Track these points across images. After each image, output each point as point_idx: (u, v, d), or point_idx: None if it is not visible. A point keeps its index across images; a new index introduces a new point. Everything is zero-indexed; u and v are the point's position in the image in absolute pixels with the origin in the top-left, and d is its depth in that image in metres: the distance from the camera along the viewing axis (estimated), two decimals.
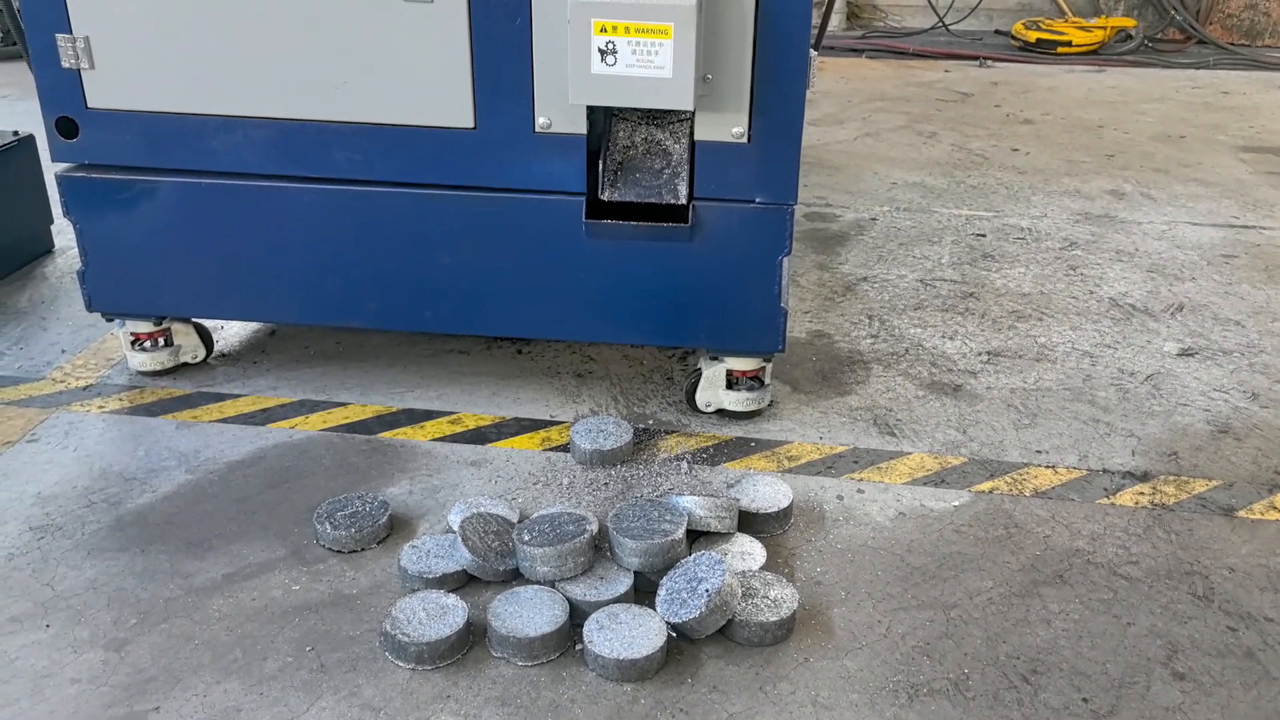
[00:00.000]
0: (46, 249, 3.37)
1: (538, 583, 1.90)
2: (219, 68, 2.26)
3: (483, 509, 2.09)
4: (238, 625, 1.87)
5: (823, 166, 4.30)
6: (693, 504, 2.00)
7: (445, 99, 2.23)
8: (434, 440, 2.41)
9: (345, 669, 1.78)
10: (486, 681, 1.75)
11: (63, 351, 2.77)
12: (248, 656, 1.80)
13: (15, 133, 3.24)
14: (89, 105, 2.33)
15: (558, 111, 2.21)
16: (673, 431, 2.45)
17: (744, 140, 2.19)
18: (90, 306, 2.54)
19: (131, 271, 2.49)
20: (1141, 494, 2.26)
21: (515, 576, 1.95)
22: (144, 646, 1.82)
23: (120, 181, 2.40)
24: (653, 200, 2.26)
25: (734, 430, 2.46)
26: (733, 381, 2.46)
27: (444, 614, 1.82)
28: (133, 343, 2.61)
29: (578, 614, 1.85)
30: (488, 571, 1.94)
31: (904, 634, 1.87)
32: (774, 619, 1.82)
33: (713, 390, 2.47)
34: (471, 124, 2.25)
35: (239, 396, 2.57)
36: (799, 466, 2.33)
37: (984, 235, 3.61)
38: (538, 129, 2.23)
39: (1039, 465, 2.35)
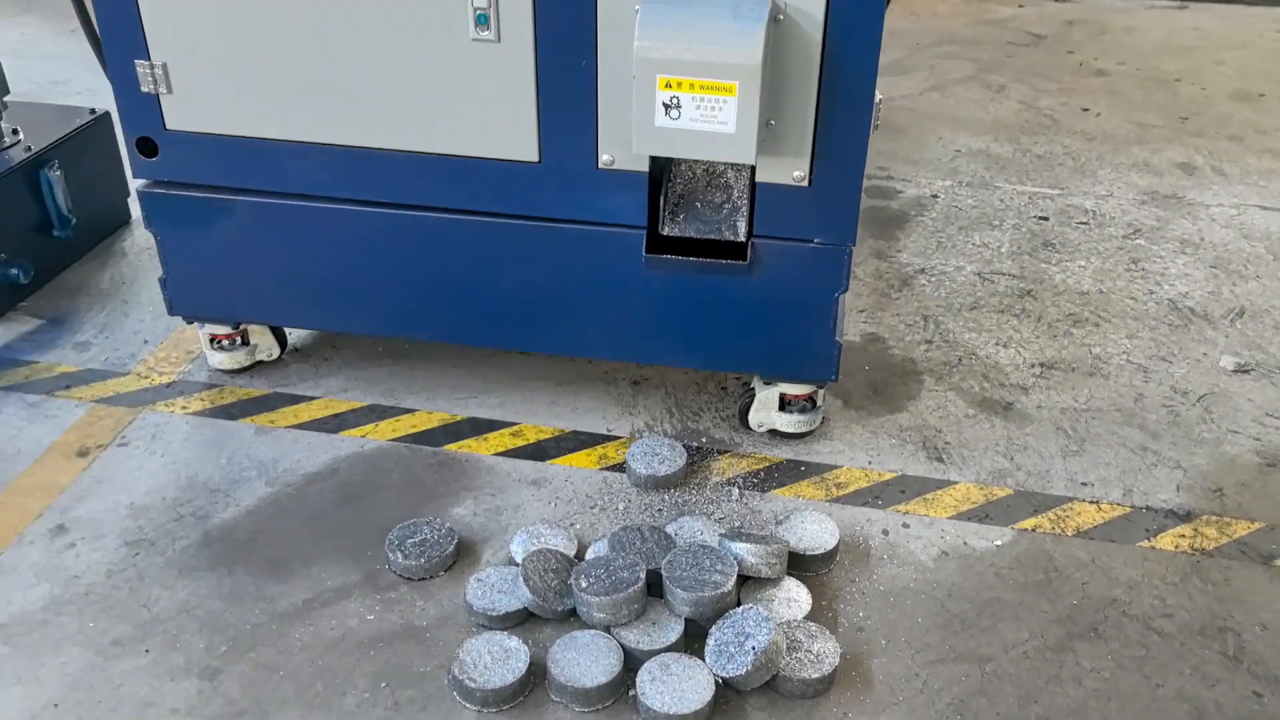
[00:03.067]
0: (124, 220, 3.48)
1: (593, 627, 2.02)
2: (292, 96, 2.31)
3: (542, 539, 2.21)
4: (318, 656, 2.03)
5: (886, 128, 4.24)
6: (744, 551, 2.10)
7: (510, 133, 2.27)
8: (497, 455, 2.51)
9: (417, 708, 1.93)
10: None
11: (145, 342, 2.90)
12: (328, 690, 1.96)
13: (92, 110, 3.32)
14: (167, 127, 2.40)
15: (621, 149, 2.24)
16: (725, 451, 2.53)
17: (805, 183, 2.21)
18: (171, 311, 2.65)
19: (209, 280, 2.59)
20: (1183, 536, 2.32)
21: (572, 613, 2.08)
22: (234, 676, 1.98)
23: (198, 199, 2.48)
24: (712, 236, 2.30)
25: (784, 451, 2.54)
26: (785, 403, 2.53)
27: (507, 658, 1.96)
28: (211, 341, 2.73)
29: (631, 659, 1.98)
30: (547, 611, 2.07)
31: (940, 689, 1.98)
32: (815, 675, 1.93)
33: (765, 411, 2.54)
34: (536, 158, 2.28)
35: (312, 399, 2.69)
36: (847, 495, 2.41)
37: (1046, 218, 3.57)
38: (601, 165, 2.27)
39: (1083, 500, 2.41)
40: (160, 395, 2.70)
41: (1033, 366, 2.85)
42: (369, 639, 2.06)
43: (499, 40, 2.16)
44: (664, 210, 2.31)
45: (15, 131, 3.12)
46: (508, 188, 2.33)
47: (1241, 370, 2.84)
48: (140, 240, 3.40)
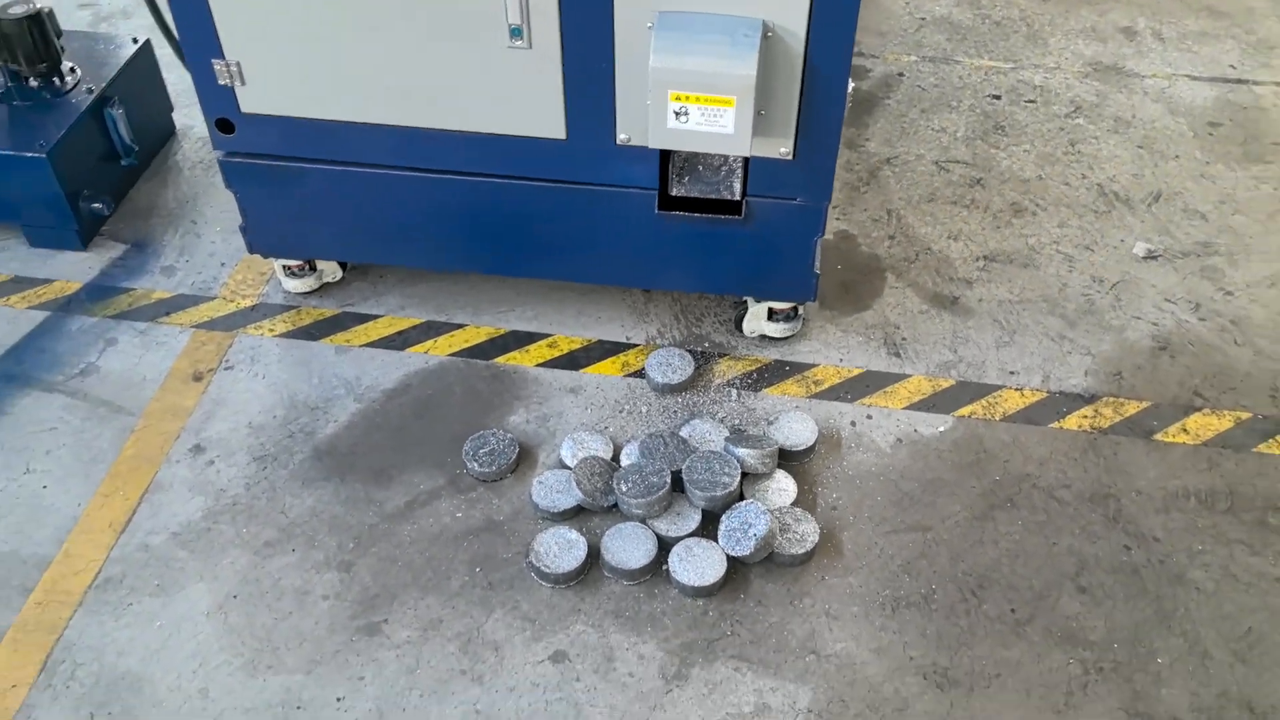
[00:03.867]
0: (171, 131, 3.85)
1: (631, 519, 2.66)
2: (352, 86, 2.70)
3: (585, 445, 2.82)
4: (425, 548, 2.66)
5: None
6: (745, 454, 2.71)
7: (542, 117, 2.69)
8: (538, 366, 3.08)
9: (506, 587, 2.59)
10: (603, 598, 2.57)
11: (222, 264, 3.38)
12: (437, 576, 2.61)
13: (135, 39, 3.62)
14: (242, 110, 2.79)
15: (636, 129, 2.67)
16: (724, 354, 3.10)
17: (790, 157, 2.67)
18: (251, 250, 3.12)
19: (283, 227, 3.05)
20: (1085, 417, 2.95)
21: (614, 507, 2.71)
22: (364, 568, 2.63)
23: (271, 166, 2.90)
24: (712, 196, 2.78)
25: (772, 352, 3.11)
26: (773, 314, 3.08)
27: (570, 548, 2.60)
28: (284, 269, 3.22)
29: (663, 542, 2.63)
30: (595, 506, 2.70)
31: (893, 554, 2.65)
32: (801, 551, 2.60)
33: (756, 321, 3.10)
34: (564, 136, 2.72)
35: (377, 317, 3.21)
36: (823, 391, 3.01)
37: (999, 98, 4.00)
38: (619, 143, 2.71)
39: (1010, 387, 3.02)
40: (248, 319, 3.22)
41: (977, 260, 3.39)
42: (461, 533, 2.70)
43: (531, 48, 2.56)
44: (672, 174, 2.77)
45: (73, 70, 3.45)
46: (540, 159, 2.78)
47: (1150, 257, 3.39)
48: (190, 153, 3.79)
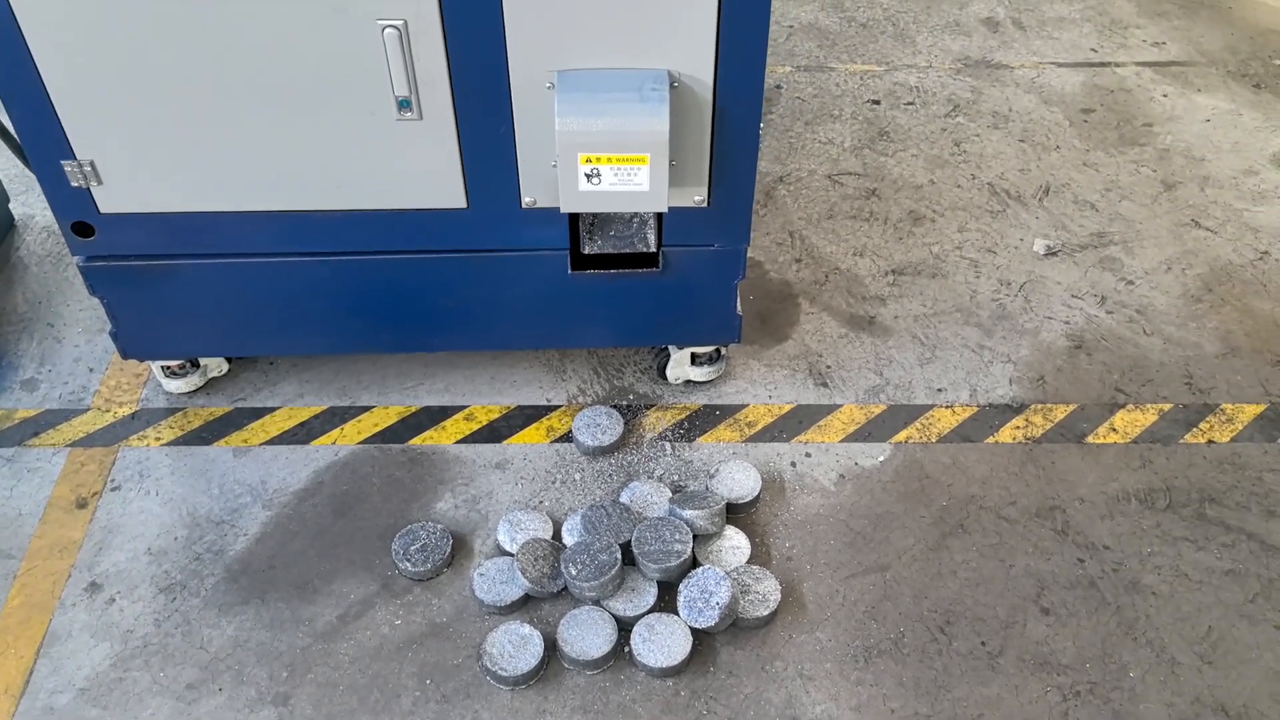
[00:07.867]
0: (10, 224, 3.50)
1: (584, 602, 2.52)
2: (225, 174, 2.47)
3: (523, 527, 2.66)
4: (366, 666, 2.47)
5: None
6: (693, 516, 2.60)
7: (439, 188, 2.51)
8: (458, 443, 2.90)
9: (462, 696, 2.42)
10: (567, 693, 2.42)
11: (90, 370, 3.08)
12: (385, 696, 2.42)
13: None
14: (101, 211, 2.52)
15: (542, 191, 2.52)
16: (651, 405, 2.98)
17: (704, 204, 2.56)
18: (124, 356, 2.85)
19: (159, 329, 2.79)
20: (1017, 428, 2.94)
21: (564, 591, 2.56)
22: (304, 698, 2.41)
23: (140, 267, 2.64)
24: (627, 250, 2.65)
25: (700, 397, 3.00)
26: (695, 358, 2.97)
27: (525, 645, 2.45)
28: (164, 370, 2.95)
29: (622, 623, 2.50)
30: (543, 594, 2.55)
31: (855, 600, 2.58)
32: (766, 613, 2.50)
33: (680, 367, 2.99)
34: (465, 205, 2.55)
35: (274, 410, 2.97)
36: (757, 433, 2.92)
37: (878, 102, 3.98)
38: (524, 206, 2.55)
39: (941, 406, 2.99)
40: (129, 429, 2.93)
41: (886, 275, 3.35)
42: (403, 643, 2.51)
43: (421, 119, 2.37)
44: (582, 232, 2.63)
45: None
46: (441, 230, 2.60)
47: (1051, 253, 3.42)
48: (34, 246, 3.45)
